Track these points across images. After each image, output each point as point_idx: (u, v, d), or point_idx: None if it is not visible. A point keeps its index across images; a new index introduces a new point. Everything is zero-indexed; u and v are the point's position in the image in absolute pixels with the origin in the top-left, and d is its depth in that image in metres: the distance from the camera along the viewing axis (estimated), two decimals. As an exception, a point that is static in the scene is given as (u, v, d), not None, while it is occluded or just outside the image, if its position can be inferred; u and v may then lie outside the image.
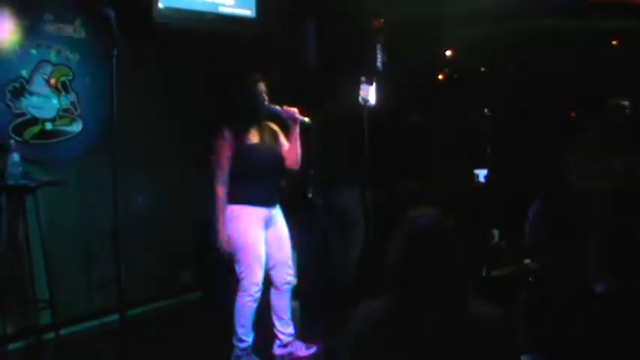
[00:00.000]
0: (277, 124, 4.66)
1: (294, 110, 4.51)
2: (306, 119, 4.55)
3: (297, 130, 4.56)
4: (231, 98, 4.53)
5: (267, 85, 4.50)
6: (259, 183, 4.45)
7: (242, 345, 4.51)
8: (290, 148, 4.59)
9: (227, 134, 4.41)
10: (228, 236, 4.42)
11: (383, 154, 6.00)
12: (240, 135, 4.44)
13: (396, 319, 2.15)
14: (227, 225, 4.43)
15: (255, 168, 4.45)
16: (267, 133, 4.60)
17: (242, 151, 4.42)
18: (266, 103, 4.50)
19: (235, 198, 4.45)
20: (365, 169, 5.54)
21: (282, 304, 4.66)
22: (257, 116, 4.52)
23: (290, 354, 4.70)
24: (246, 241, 4.43)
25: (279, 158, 4.58)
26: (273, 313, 4.67)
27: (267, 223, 4.55)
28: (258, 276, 4.46)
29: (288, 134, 4.61)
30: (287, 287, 4.65)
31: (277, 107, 4.51)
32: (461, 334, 2.08)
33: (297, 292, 4.82)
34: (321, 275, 5.66)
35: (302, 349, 4.74)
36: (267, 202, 4.53)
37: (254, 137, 4.51)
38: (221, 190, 4.40)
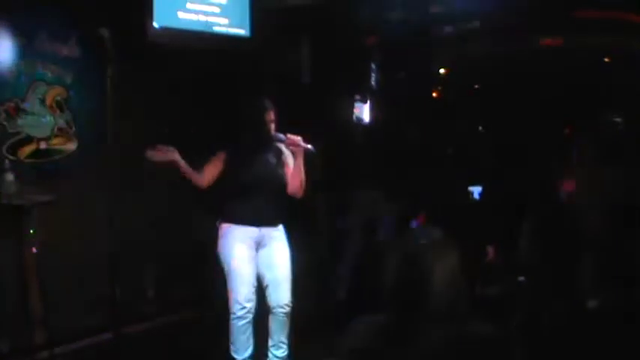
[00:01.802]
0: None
1: (299, 138, 4.46)
2: (310, 147, 4.48)
3: (301, 158, 4.50)
4: (240, 122, 4.56)
5: (275, 114, 4.51)
6: (251, 202, 4.44)
7: None
8: (293, 175, 4.54)
9: (225, 149, 4.45)
10: (217, 253, 4.48)
11: (376, 171, 6.03)
12: (237, 154, 4.46)
13: (393, 336, 2.15)
14: (218, 241, 4.48)
15: (247, 185, 4.44)
16: (272, 153, 4.59)
17: (235, 167, 4.44)
18: (272, 131, 4.51)
19: (225, 216, 4.48)
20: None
21: (274, 326, 4.61)
22: (264, 142, 4.53)
23: None
24: (230, 259, 4.45)
25: (278, 179, 4.55)
26: (268, 332, 4.66)
27: (260, 243, 4.54)
28: (242, 295, 4.42)
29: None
30: (280, 311, 4.57)
31: (282, 135, 4.50)
32: (457, 352, 2.09)
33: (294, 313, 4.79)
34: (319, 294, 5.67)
35: None
36: (257, 222, 4.50)
37: (253, 157, 4.51)
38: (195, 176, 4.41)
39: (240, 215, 4.46)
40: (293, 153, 4.53)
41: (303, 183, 4.56)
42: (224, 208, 4.47)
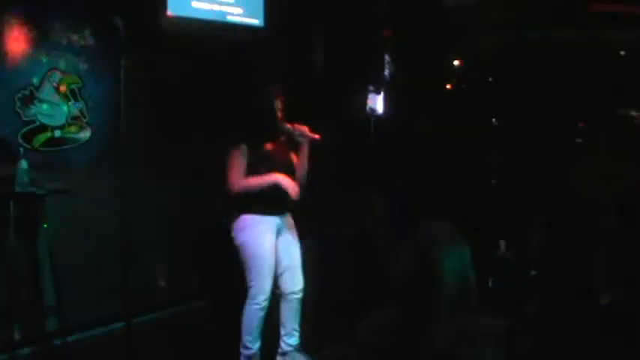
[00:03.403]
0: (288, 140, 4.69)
1: (305, 128, 4.54)
2: (317, 137, 4.56)
3: (306, 148, 4.59)
4: (248, 112, 4.57)
5: (283, 102, 4.53)
6: (272, 192, 4.46)
7: (248, 352, 4.53)
8: (299, 164, 4.63)
9: (243, 144, 4.45)
10: (239, 245, 4.47)
11: (390, 164, 6.01)
12: (256, 146, 4.47)
13: (405, 330, 2.15)
14: (240, 233, 4.48)
15: None
16: (280, 144, 4.64)
17: (257, 159, 4.46)
18: (281, 120, 4.54)
19: (249, 207, 4.48)
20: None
21: (288, 313, 4.67)
22: (273, 131, 4.56)
23: None
24: (259, 250, 4.46)
25: (292, 167, 4.62)
26: (279, 320, 4.69)
27: (278, 232, 4.58)
28: (268, 285, 4.49)
29: (297, 150, 4.64)
30: (293, 297, 4.66)
31: (289, 125, 4.55)
32: (467, 346, 2.08)
33: (307, 302, 4.80)
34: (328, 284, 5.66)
35: None
36: (279, 211, 4.57)
37: (269, 148, 4.56)
38: (243, 182, 4.41)
39: (264, 206, 4.48)
40: (300, 142, 4.58)
41: (306, 171, 4.65)
42: (244, 199, 4.47)
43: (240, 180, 4.42)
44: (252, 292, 4.47)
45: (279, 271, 4.60)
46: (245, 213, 4.49)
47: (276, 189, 4.45)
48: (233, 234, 4.53)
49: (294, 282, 4.66)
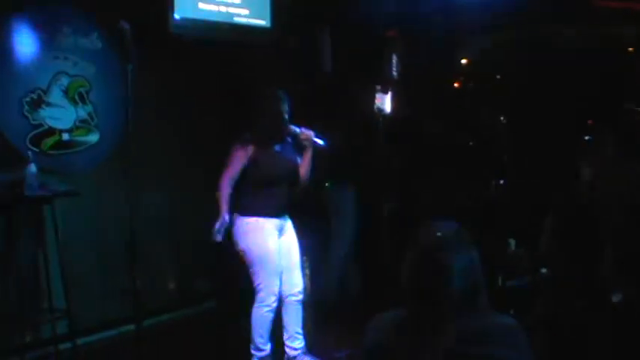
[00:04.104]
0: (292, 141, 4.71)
1: (311, 134, 4.59)
2: (321, 142, 4.62)
3: (310, 151, 4.63)
4: (256, 113, 4.58)
5: (289, 104, 4.55)
6: (275, 193, 4.48)
7: (260, 354, 4.54)
8: (303, 167, 4.66)
9: (248, 142, 4.45)
10: (244, 249, 4.47)
11: (398, 163, 5.99)
12: (260, 146, 4.48)
13: (412, 331, 2.14)
14: (243, 237, 4.47)
15: (274, 177, 4.49)
16: (288, 144, 4.66)
17: (262, 159, 4.46)
18: (287, 121, 4.56)
19: (251, 209, 4.48)
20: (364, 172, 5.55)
21: (289, 317, 4.66)
22: (280, 133, 4.57)
23: None
24: (264, 253, 4.46)
25: (296, 170, 4.63)
26: (282, 325, 4.68)
27: (280, 233, 4.59)
28: (276, 286, 4.50)
29: (301, 152, 4.67)
30: (293, 299, 4.64)
31: (296, 128, 4.57)
32: (478, 346, 2.07)
33: (310, 303, 4.81)
34: (332, 285, 5.66)
35: None
36: (280, 213, 4.58)
37: (275, 148, 4.57)
38: (225, 189, 4.42)
39: (267, 207, 4.49)
40: (304, 146, 4.62)
41: (309, 173, 4.68)
42: (247, 201, 4.47)
43: (225, 184, 4.43)
44: (260, 295, 4.47)
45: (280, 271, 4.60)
46: (246, 215, 4.49)
47: (277, 190, 4.47)
48: (234, 238, 4.52)
49: (292, 284, 4.64)
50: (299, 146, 4.66)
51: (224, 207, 4.41)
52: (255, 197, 4.46)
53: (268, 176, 4.47)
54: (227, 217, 4.40)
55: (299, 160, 4.66)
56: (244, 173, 4.46)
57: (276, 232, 4.55)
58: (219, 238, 4.40)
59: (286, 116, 4.54)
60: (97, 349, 5.17)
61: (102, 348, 5.20)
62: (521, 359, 2.09)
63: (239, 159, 4.45)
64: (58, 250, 4.88)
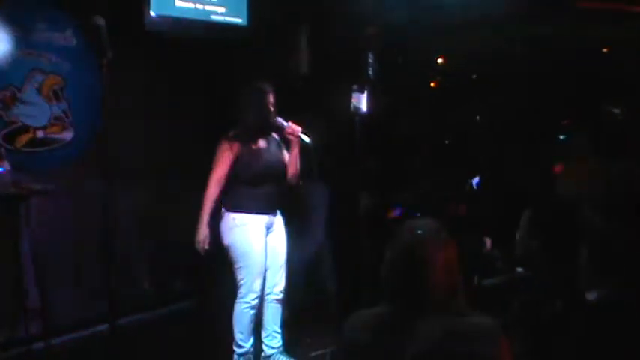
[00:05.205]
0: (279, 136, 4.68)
1: (299, 129, 4.54)
2: (307, 139, 4.56)
3: (297, 147, 4.57)
4: (241, 107, 4.55)
5: (275, 97, 4.52)
6: (262, 190, 4.46)
7: (240, 350, 4.54)
8: (290, 163, 4.61)
9: (233, 140, 4.42)
10: (228, 245, 4.45)
11: (374, 163, 6.00)
12: (246, 142, 4.44)
13: (391, 328, 2.14)
14: (228, 233, 4.45)
15: (260, 174, 4.46)
16: (273, 139, 4.63)
17: (248, 156, 4.44)
18: (273, 114, 4.52)
19: (238, 206, 4.46)
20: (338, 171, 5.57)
21: (268, 314, 4.65)
22: (265, 127, 4.54)
23: None
24: (250, 249, 4.45)
25: (282, 165, 4.60)
26: (261, 323, 4.67)
27: (267, 230, 4.56)
28: (258, 284, 4.49)
29: (287, 148, 4.63)
30: (273, 298, 4.63)
31: (284, 122, 4.53)
32: (455, 344, 2.08)
33: (288, 302, 4.79)
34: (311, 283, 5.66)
35: None
36: (269, 210, 4.55)
37: (260, 144, 4.53)
38: (213, 191, 4.40)
39: (254, 204, 4.47)
40: (290, 141, 4.57)
41: (298, 171, 4.63)
42: (233, 197, 4.45)
43: (212, 190, 4.41)
44: (242, 291, 4.46)
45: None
46: (232, 211, 4.47)
47: (265, 186, 4.45)
48: (221, 233, 4.51)
49: (274, 282, 4.63)
50: (286, 142, 4.62)
51: (205, 217, 4.40)
52: (241, 194, 4.44)
53: (253, 173, 4.43)
54: (206, 230, 4.39)
55: (286, 156, 4.62)
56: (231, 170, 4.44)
57: (264, 230, 4.52)
58: (203, 249, 4.42)
59: (272, 108, 4.51)
60: (71, 349, 5.12)
61: (76, 348, 5.15)
62: (499, 358, 2.10)
63: (225, 159, 4.42)
64: (32, 249, 4.84)
